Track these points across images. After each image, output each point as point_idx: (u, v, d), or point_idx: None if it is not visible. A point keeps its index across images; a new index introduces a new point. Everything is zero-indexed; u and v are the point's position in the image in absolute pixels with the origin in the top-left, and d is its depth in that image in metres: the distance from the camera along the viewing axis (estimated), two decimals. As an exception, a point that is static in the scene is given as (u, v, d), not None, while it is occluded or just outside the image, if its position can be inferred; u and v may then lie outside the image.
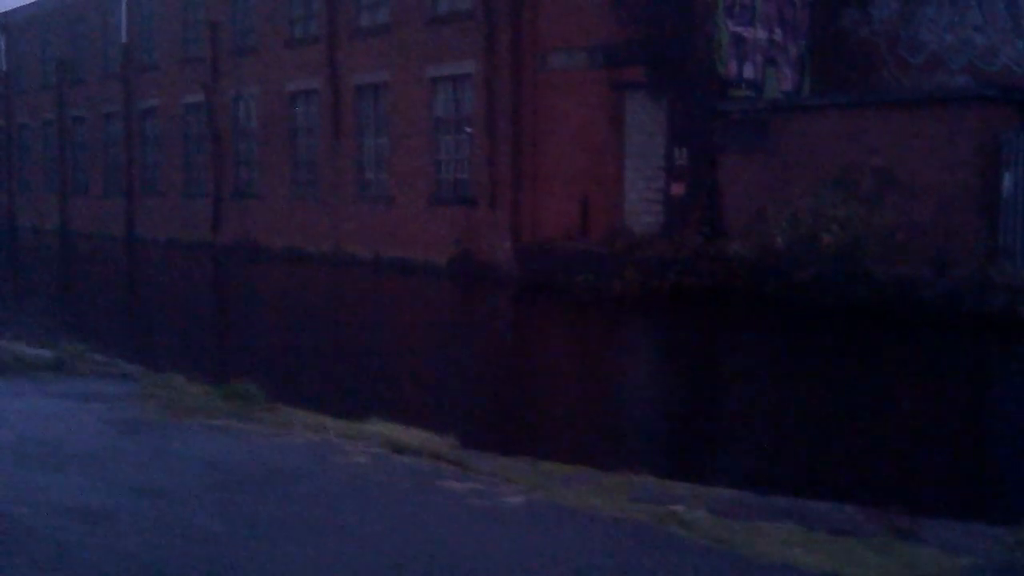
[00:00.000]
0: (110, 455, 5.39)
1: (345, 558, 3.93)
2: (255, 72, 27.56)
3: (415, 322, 17.23)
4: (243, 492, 4.77)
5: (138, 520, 4.28)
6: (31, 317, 16.97)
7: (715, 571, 3.99)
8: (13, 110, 41.15)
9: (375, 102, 24.20)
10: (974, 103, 15.40)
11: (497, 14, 20.64)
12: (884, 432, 9.02)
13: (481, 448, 6.53)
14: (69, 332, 11.68)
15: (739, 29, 19.37)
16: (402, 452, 5.64)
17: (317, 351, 14.02)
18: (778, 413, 9.97)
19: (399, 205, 23.39)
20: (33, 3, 38.75)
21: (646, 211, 18.97)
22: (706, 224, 17.74)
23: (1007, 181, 14.95)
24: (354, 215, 24.57)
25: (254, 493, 4.76)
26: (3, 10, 40.94)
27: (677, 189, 18.46)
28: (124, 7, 33.06)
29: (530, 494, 4.97)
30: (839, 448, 8.56)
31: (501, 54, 20.66)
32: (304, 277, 23.84)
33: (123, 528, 4.17)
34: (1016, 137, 15.01)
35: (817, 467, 8.04)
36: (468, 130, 21.78)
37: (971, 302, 14.07)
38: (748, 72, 19.64)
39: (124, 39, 33.24)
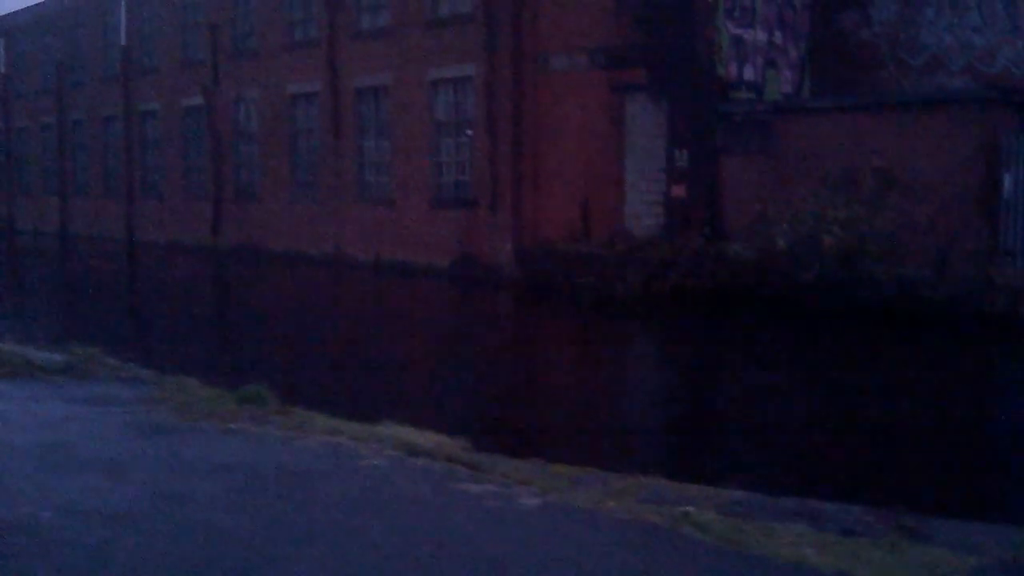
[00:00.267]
0: (129, 458, 5.45)
1: (371, 560, 3.99)
2: (255, 75, 27.59)
3: (417, 325, 17.28)
4: (265, 495, 4.83)
5: (164, 523, 4.34)
6: (34, 321, 17.01)
7: (732, 571, 4.07)
8: (12, 113, 41.16)
9: (376, 105, 24.25)
10: (974, 104, 15.49)
11: (497, 16, 20.69)
12: (887, 433, 9.08)
13: (487, 450, 6.59)
14: (73, 336, 11.70)
15: (739, 31, 19.46)
16: (416, 455, 5.70)
17: (322, 354, 14.06)
18: (781, 414, 10.02)
19: (400, 207, 23.44)
20: (32, 6, 38.76)
21: (647, 213, 19.03)
22: (707, 226, 17.80)
23: (1007, 182, 15.04)
24: (355, 217, 24.61)
25: (276, 496, 4.82)
26: (3, 13, 40.98)
27: (678, 191, 18.52)
28: (123, 10, 33.06)
29: (545, 496, 5.04)
30: (844, 449, 8.61)
31: (501, 56, 20.72)
32: (305, 279, 23.88)
33: (149, 531, 4.22)
34: (1016, 138, 15.10)
35: (823, 468, 8.09)
36: (469, 132, 21.84)
37: (972, 303, 14.14)
38: (748, 74, 19.73)
39: (123, 42, 33.25)
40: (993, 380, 12.15)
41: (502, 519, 4.62)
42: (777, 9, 20.74)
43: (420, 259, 22.51)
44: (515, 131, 20.64)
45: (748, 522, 4.90)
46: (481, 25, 21.04)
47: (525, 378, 12.56)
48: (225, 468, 5.27)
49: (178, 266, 28.07)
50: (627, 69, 19.03)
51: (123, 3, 33.05)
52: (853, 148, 16.17)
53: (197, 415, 6.46)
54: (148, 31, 32.36)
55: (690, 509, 5.03)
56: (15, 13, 40.26)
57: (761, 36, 20.14)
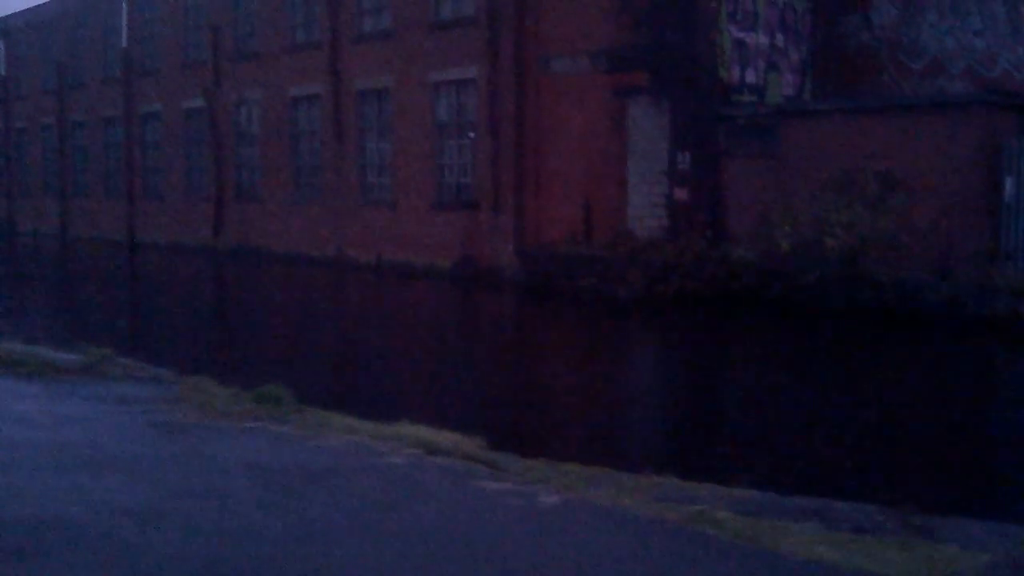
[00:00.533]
0: (152, 457, 5.52)
1: (397, 557, 4.06)
2: (257, 76, 27.65)
3: (420, 326, 17.31)
4: (288, 493, 4.90)
5: (190, 520, 4.40)
6: (40, 322, 17.05)
7: (750, 568, 4.16)
8: (13, 114, 41.19)
9: (378, 107, 24.31)
10: (975, 108, 15.59)
11: (500, 19, 20.75)
12: (892, 433, 9.17)
13: (499, 450, 6.66)
14: (81, 337, 11.75)
15: (741, 35, 19.56)
16: (434, 453, 5.78)
17: (328, 354, 14.14)
18: (785, 415, 10.09)
19: (402, 209, 23.51)
20: (33, 7, 38.79)
21: (649, 215, 19.10)
22: (709, 228, 17.88)
23: (1008, 185, 15.15)
24: (357, 219, 24.68)
25: (299, 494, 4.89)
26: (3, 13, 41.03)
27: (680, 193, 18.60)
28: (124, 11, 33.11)
29: (564, 494, 5.13)
30: (849, 449, 8.68)
31: (504, 59, 20.79)
32: (307, 281, 23.91)
33: (177, 528, 4.29)
34: (1017, 141, 15.21)
35: (827, 468, 8.16)
36: (471, 135, 21.91)
37: (974, 305, 14.25)
38: (750, 77, 19.83)
39: (124, 43, 33.31)
40: (995, 381, 12.23)
41: (525, 516, 4.70)
42: (779, 12, 20.85)
43: (422, 261, 22.57)
44: (517, 133, 20.70)
45: (762, 520, 4.97)
46: (483, 27, 21.10)
47: (529, 379, 12.60)
48: (248, 466, 5.34)
49: (180, 267, 28.08)
50: (629, 72, 19.09)
51: (124, 4, 33.10)
52: (855, 151, 16.26)
53: (216, 414, 6.55)
54: (149, 32, 32.40)
55: (706, 507, 5.12)
56: (15, 13, 40.31)
57: (763, 39, 20.24)
